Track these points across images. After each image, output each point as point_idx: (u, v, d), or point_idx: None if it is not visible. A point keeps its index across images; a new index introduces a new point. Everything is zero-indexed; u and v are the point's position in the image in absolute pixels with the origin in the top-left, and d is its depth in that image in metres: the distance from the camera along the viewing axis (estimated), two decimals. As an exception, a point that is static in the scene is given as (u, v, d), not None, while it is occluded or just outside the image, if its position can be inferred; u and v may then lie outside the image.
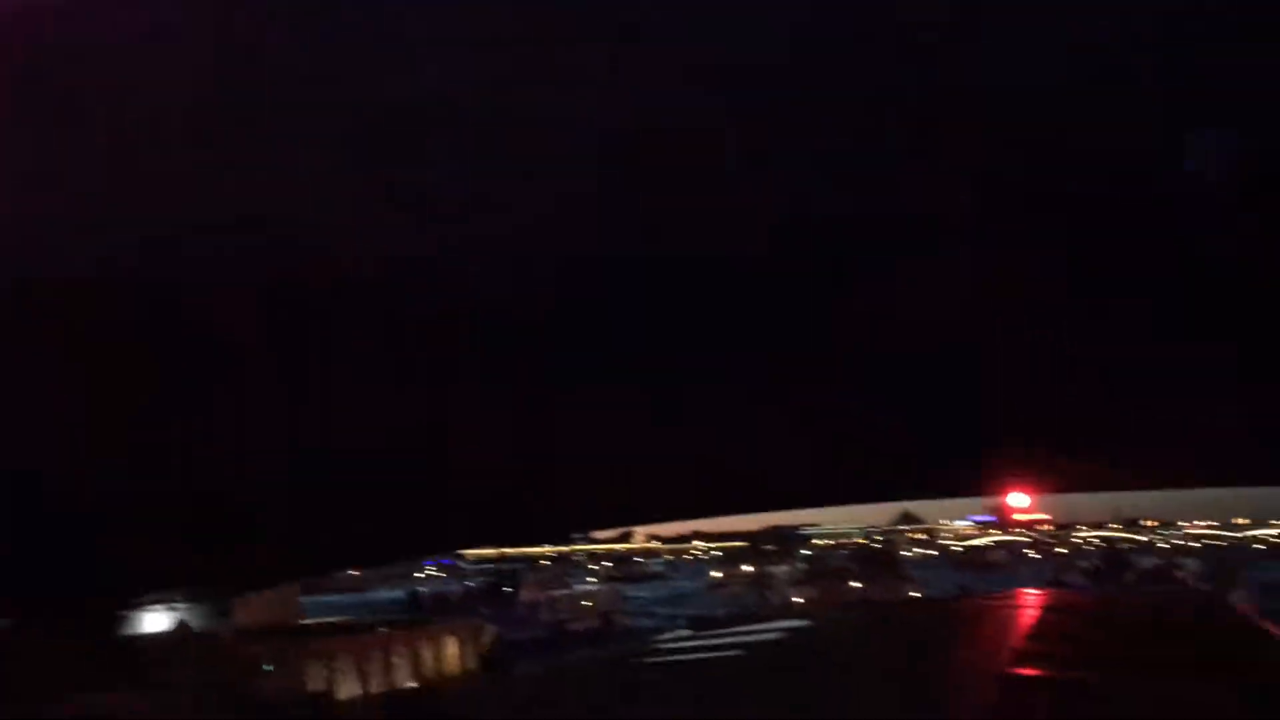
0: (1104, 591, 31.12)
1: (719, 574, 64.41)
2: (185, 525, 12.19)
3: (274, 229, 6.93)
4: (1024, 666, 9.13)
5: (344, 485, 10.79)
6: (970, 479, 16.29)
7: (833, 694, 8.29)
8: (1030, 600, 15.95)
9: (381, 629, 20.06)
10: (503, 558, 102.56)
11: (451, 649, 19.56)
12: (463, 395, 8.95)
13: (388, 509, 11.78)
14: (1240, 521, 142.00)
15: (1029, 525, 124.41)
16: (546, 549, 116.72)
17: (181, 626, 18.41)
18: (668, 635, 15.16)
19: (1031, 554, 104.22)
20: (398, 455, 9.95)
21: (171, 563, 14.72)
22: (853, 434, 10.94)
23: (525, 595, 38.32)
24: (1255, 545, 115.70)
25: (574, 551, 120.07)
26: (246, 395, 9.26)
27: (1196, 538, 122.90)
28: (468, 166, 6.81)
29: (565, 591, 40.80)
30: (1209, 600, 17.80)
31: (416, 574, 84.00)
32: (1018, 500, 55.30)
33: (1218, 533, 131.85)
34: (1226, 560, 57.16)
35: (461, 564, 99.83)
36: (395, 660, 17.94)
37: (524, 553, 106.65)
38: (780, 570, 59.84)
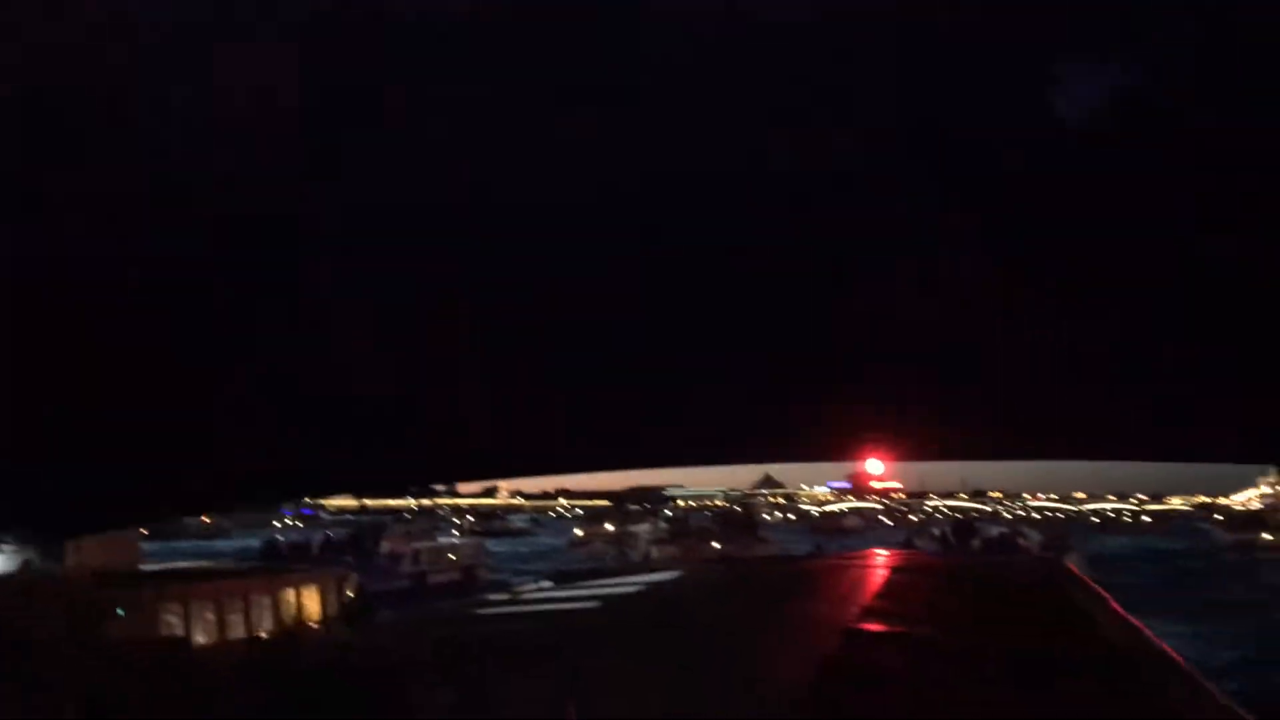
0: (952, 556, 32.30)
1: (581, 531, 64.46)
2: (20, 459, 11.54)
3: None
4: (876, 622, 9.38)
5: (190, 423, 10.31)
6: (829, 444, 16.56)
7: (688, 641, 8.36)
8: (883, 561, 16.44)
9: (240, 575, 19.34)
10: (364, 509, 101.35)
11: (313, 597, 19.02)
12: (320, 332, 8.62)
13: (239, 452, 11.34)
14: (1079, 496, 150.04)
15: (883, 493, 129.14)
16: (410, 502, 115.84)
17: (23, 567, 17.52)
18: (530, 587, 15.12)
19: (885, 520, 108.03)
20: (248, 394, 9.55)
21: (5, 500, 13.96)
22: (717, 395, 10.96)
23: (388, 547, 37.65)
24: (1092, 519, 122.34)
25: (437, 505, 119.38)
26: (84, 323, 8.70)
27: (1039, 510, 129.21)
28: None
29: (429, 544, 40.27)
30: (1049, 567, 18.60)
31: (274, 523, 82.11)
32: (874, 467, 56.98)
33: (1058, 505, 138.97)
34: (1064, 532, 59.99)
35: (322, 514, 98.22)
36: (255, 606, 17.33)
37: (386, 505, 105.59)
38: (642, 529, 60.30)
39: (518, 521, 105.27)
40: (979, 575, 15.57)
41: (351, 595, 20.76)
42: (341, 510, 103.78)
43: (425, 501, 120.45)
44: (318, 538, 42.72)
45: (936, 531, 51.58)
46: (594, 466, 20.70)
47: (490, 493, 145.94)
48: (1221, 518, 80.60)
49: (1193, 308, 7.13)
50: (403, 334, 9.17)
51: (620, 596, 12.63)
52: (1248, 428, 11.10)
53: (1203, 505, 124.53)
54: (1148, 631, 10.29)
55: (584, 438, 13.69)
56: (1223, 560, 56.20)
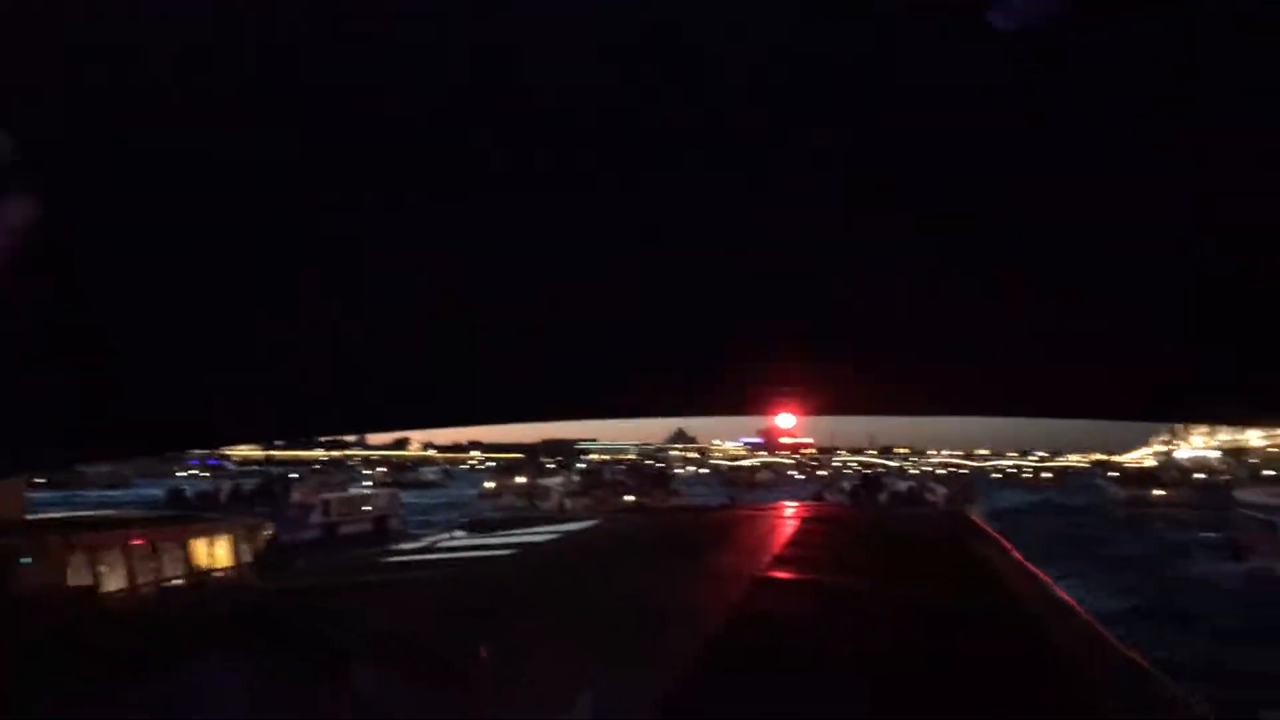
0: (861, 509, 33.02)
1: (492, 484, 64.31)
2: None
3: None
4: (787, 570, 9.56)
5: (85, 364, 9.97)
6: (741, 399, 16.70)
7: (598, 589, 8.42)
8: (794, 513, 16.71)
9: (151, 523, 18.87)
10: (270, 460, 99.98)
11: (225, 545, 18.70)
12: (226, 276, 8.39)
13: (138, 397, 11.01)
14: (982, 452, 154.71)
15: (794, 449, 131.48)
16: (319, 453, 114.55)
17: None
18: (442, 537, 15.07)
19: (796, 475, 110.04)
20: (153, 334, 9.26)
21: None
22: (631, 348, 10.95)
23: (298, 497, 37.20)
24: (994, 474, 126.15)
25: (348, 457, 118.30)
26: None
27: (943, 465, 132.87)
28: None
29: (340, 495, 39.92)
30: (954, 519, 19.09)
31: (178, 473, 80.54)
32: (785, 422, 57.91)
33: (962, 461, 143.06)
34: (967, 486, 61.79)
35: (228, 465, 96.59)
36: (166, 554, 16.98)
37: (295, 455, 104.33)
38: (555, 481, 60.49)
39: (429, 474, 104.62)
40: (886, 526, 15.93)
41: (265, 543, 20.47)
42: (247, 461, 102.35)
43: (335, 453, 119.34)
44: (225, 486, 42.05)
45: (846, 485, 52.70)
46: (508, 418, 20.59)
47: (401, 444, 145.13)
48: (1116, 474, 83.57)
49: (1095, 267, 7.28)
50: (308, 276, 8.94)
51: (533, 545, 12.66)
52: (1145, 387, 11.48)
53: (1099, 462, 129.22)
54: (1047, 580, 10.64)
55: (498, 389, 13.60)
56: (1117, 515, 58.44)
